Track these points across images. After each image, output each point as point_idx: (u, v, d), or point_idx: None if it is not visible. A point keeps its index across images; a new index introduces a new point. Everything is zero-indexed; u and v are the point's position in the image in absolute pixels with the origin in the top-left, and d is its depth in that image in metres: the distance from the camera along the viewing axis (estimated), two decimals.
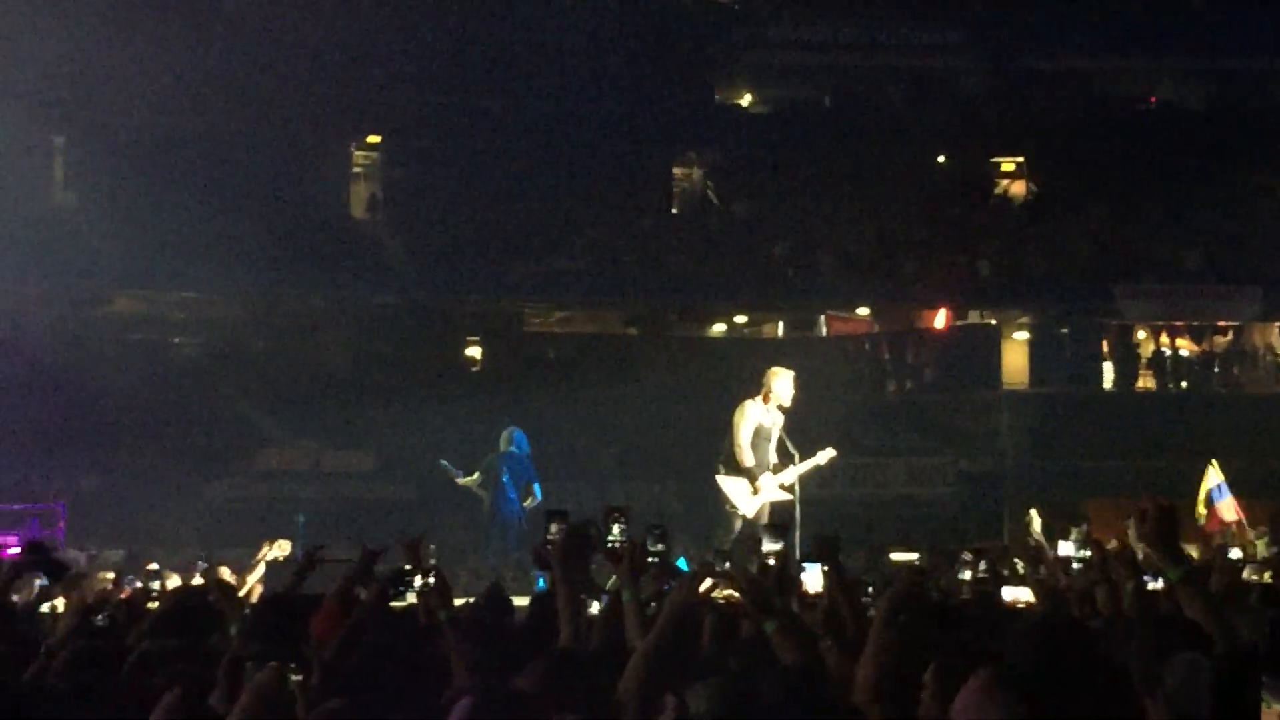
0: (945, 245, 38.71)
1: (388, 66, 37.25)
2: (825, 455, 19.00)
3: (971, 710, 4.93)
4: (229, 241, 34.23)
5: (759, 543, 14.95)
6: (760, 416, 19.05)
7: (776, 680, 5.80)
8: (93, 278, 34.31)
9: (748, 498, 18.75)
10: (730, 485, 19.00)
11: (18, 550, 25.27)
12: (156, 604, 9.37)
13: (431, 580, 8.72)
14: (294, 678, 4.36)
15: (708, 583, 7.52)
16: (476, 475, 22.99)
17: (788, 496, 18.83)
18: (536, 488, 22.97)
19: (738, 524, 18.69)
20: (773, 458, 19.00)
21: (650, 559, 7.95)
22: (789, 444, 19.33)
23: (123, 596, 14.04)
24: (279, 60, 35.98)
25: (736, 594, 8.46)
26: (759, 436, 18.95)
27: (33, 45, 32.96)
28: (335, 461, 34.53)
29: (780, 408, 19.09)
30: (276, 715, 4.13)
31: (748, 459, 18.82)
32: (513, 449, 23.08)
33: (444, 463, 23.91)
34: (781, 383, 19.16)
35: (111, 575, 20.79)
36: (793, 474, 18.80)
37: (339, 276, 35.52)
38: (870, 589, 9.62)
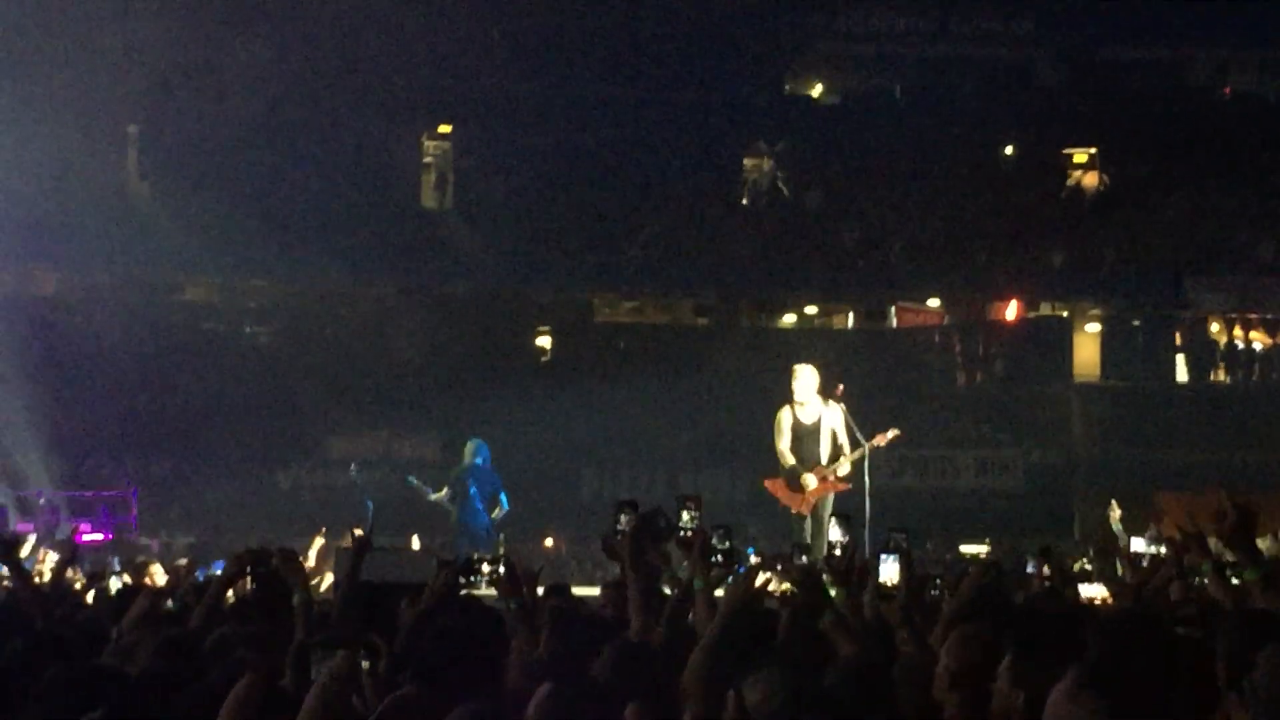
0: (1017, 236, 38.52)
1: (459, 57, 37.26)
2: (881, 439, 18.96)
3: (1061, 713, 4.92)
4: (301, 230, 34.39)
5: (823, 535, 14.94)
6: (794, 417, 19.05)
7: (833, 673, 5.79)
8: (166, 266, 34.52)
9: (794, 496, 18.78)
10: (776, 488, 19.05)
11: (98, 537, 25.57)
12: (231, 590, 9.38)
13: (502, 569, 8.73)
14: (364, 664, 4.38)
15: (763, 576, 7.52)
16: (445, 490, 22.99)
17: (844, 487, 18.79)
18: (503, 498, 22.94)
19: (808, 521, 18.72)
20: (825, 451, 18.98)
21: (715, 557, 7.94)
22: (858, 433, 19.27)
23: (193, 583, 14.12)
24: (351, 50, 36.07)
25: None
26: (799, 436, 18.95)
27: (108, 36, 33.15)
28: (404, 449, 34.63)
29: (822, 400, 19.06)
30: (348, 701, 4.14)
31: (788, 460, 18.89)
32: (477, 461, 23.06)
33: (412, 480, 23.90)
34: (798, 381, 19.15)
35: (184, 561, 20.94)
36: (846, 465, 18.78)
37: (409, 266, 35.64)
38: (939, 581, 9.59)
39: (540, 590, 9.53)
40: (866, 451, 18.77)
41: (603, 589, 9.39)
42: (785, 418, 19.04)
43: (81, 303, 35.21)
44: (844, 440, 19.05)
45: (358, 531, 20.57)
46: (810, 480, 18.60)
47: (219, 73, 34.94)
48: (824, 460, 18.83)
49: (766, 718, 5.11)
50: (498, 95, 37.53)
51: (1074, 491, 33.63)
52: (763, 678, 5.48)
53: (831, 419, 18.87)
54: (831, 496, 18.73)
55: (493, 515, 22.71)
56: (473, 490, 22.63)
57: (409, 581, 9.52)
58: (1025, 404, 35.95)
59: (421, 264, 35.71)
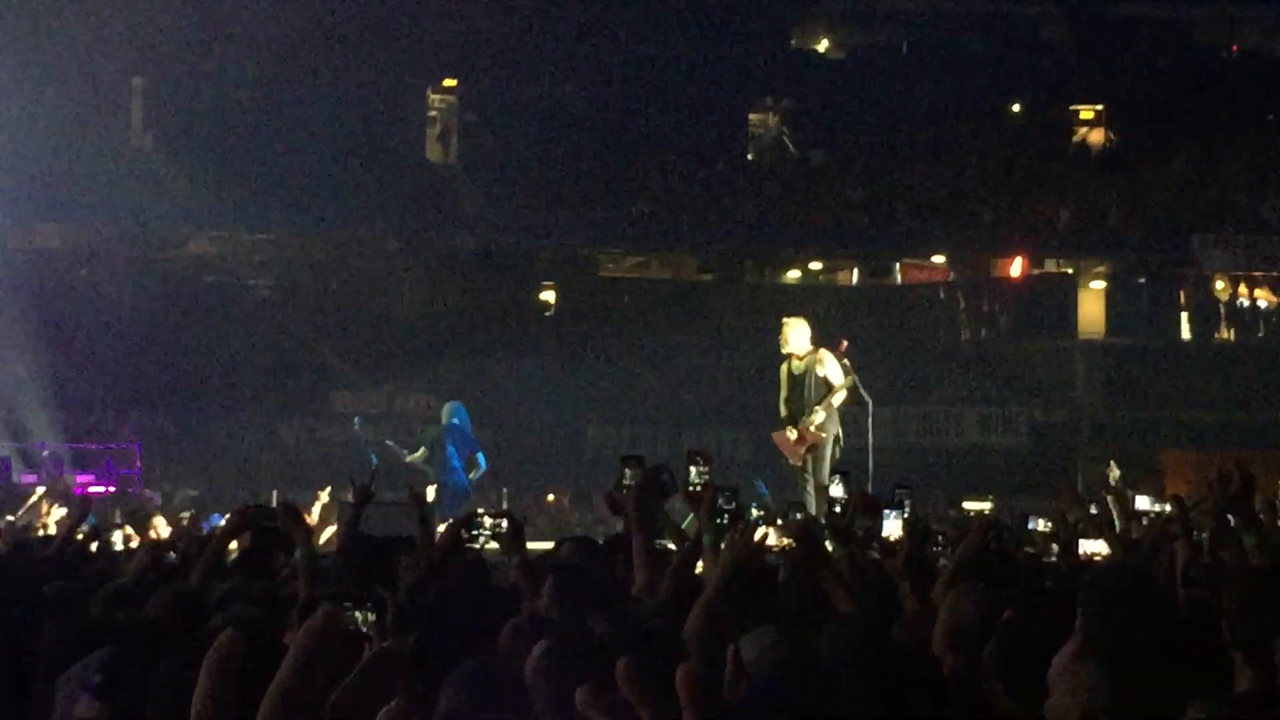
0: (1022, 193, 38.50)
1: (465, 11, 37.18)
2: (837, 398, 18.85)
3: (1066, 675, 4.93)
4: (305, 184, 34.37)
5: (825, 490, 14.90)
6: (788, 370, 19.04)
7: (830, 630, 5.80)
8: (169, 219, 34.50)
9: (790, 448, 18.78)
10: (778, 440, 19.05)
11: (101, 489, 25.59)
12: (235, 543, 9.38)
13: (504, 524, 8.73)
14: (369, 617, 4.37)
15: (761, 532, 7.52)
16: (421, 451, 23.04)
17: (819, 437, 18.69)
18: (480, 458, 23.00)
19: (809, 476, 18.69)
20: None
21: (721, 518, 7.94)
22: (862, 390, 19.23)
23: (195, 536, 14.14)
24: (357, 3, 36.01)
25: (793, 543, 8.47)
26: (791, 389, 18.95)
27: None
28: (407, 404, 34.64)
29: (799, 355, 18.98)
30: (334, 656, 4.13)
31: (782, 412, 18.92)
32: (454, 421, 23.13)
33: (389, 443, 23.94)
34: (788, 333, 19.11)
35: (187, 514, 20.99)
36: (819, 414, 18.69)
37: (413, 220, 35.61)
38: (941, 537, 9.59)
39: (561, 543, 9.56)
40: (832, 401, 18.59)
41: (604, 544, 9.37)
42: (783, 371, 19.04)
43: (85, 256, 35.21)
44: (866, 396, 18.95)
45: (359, 485, 20.68)
46: (792, 433, 18.60)
47: (223, 25, 34.88)
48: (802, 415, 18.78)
49: (764, 673, 5.11)
50: (503, 50, 37.46)
51: (1077, 449, 33.63)
52: (761, 633, 5.50)
53: (825, 370, 18.74)
54: (828, 448, 18.61)
55: (470, 476, 22.78)
56: (450, 450, 22.70)
57: (410, 535, 9.52)
58: (1029, 361, 35.96)
59: (425, 218, 35.68)
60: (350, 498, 9.93)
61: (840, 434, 18.60)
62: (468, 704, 4.79)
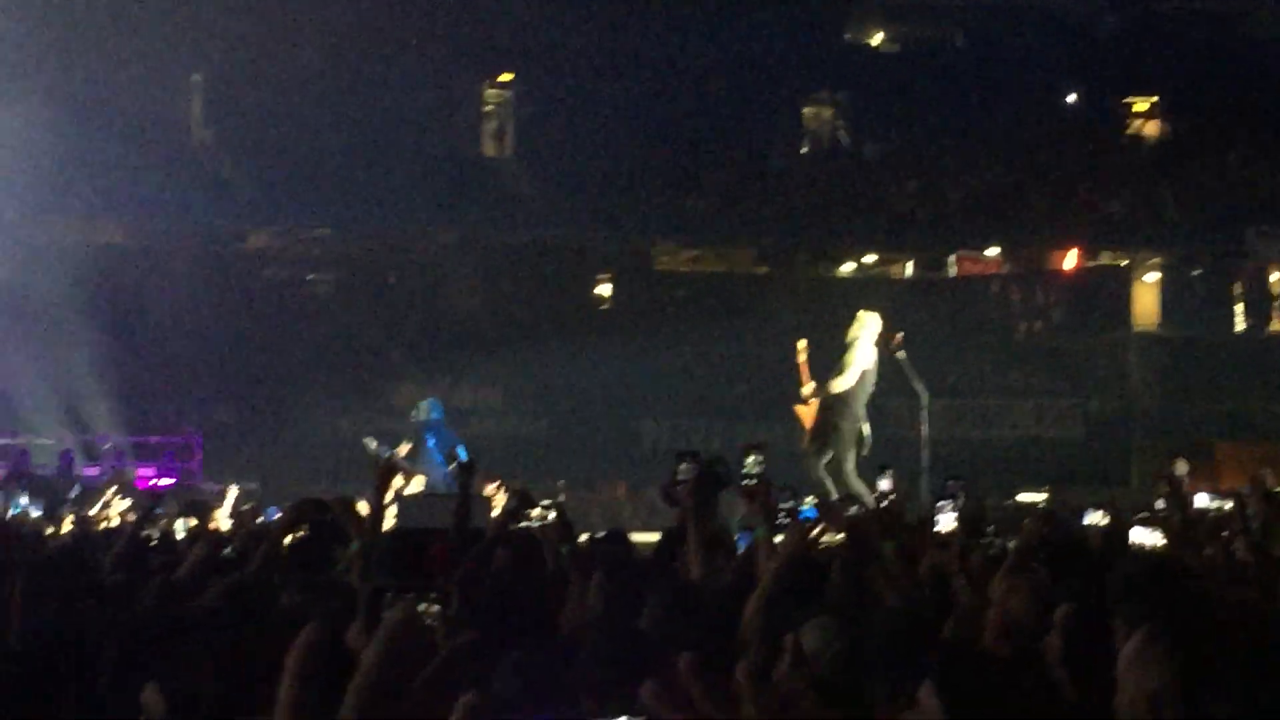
0: (1077, 185, 38.42)
1: (520, 5, 37.28)
2: (844, 377, 18.83)
3: (1134, 668, 4.92)
4: (362, 178, 34.52)
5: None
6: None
7: (880, 622, 5.85)
8: (228, 215, 34.70)
9: (805, 419, 18.82)
10: (798, 410, 19.12)
11: (162, 482, 25.82)
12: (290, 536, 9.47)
13: (552, 515, 8.82)
14: (433, 609, 4.51)
15: (817, 528, 7.59)
16: (404, 446, 23.44)
17: (810, 405, 18.68)
18: (461, 450, 23.28)
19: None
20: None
21: (780, 516, 8.02)
22: (916, 383, 19.28)
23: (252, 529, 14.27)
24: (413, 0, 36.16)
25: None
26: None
27: None
28: (465, 397, 34.80)
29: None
30: (411, 648, 4.24)
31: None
32: (434, 416, 23.57)
33: (368, 440, 24.31)
34: (868, 318, 19.15)
35: (248, 507, 21.15)
36: (808, 387, 18.71)
37: (470, 214, 35.73)
38: (993, 530, 9.64)
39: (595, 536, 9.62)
40: (834, 383, 18.54)
41: (660, 537, 9.47)
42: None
43: (146, 251, 35.45)
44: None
45: (419, 479, 20.94)
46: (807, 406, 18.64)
47: (282, 22, 35.03)
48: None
49: (822, 664, 5.20)
50: (558, 44, 37.54)
51: (1132, 441, 33.58)
52: (818, 624, 5.56)
53: (850, 353, 18.73)
54: (845, 426, 18.46)
55: (451, 468, 23.09)
56: (431, 444, 23.14)
57: (445, 527, 9.57)
58: (1084, 353, 35.88)
59: (482, 213, 35.80)
60: (410, 492, 10.02)
61: (865, 432, 18.42)
62: (521, 690, 4.90)
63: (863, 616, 6.09)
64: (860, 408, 18.64)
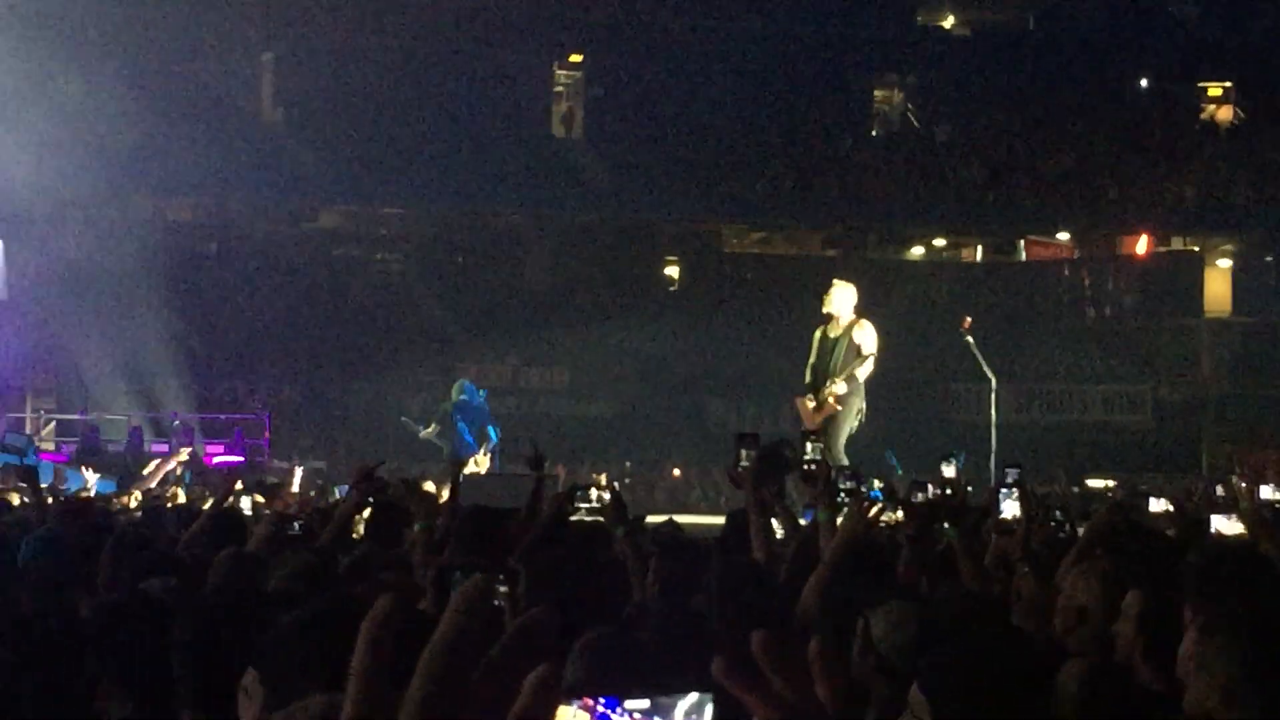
0: (1148, 170, 38.20)
1: None
2: (863, 369, 18.39)
3: (1198, 657, 4.88)
4: (432, 158, 34.62)
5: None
6: (822, 334, 18.71)
7: (954, 605, 5.82)
8: (299, 193, 34.83)
9: (807, 413, 18.43)
10: (798, 404, 18.81)
11: (231, 459, 25.97)
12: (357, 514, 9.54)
13: (608, 496, 8.83)
14: (500, 588, 4.53)
15: (878, 509, 7.57)
16: (434, 427, 23.64)
17: (834, 409, 18.26)
18: (492, 431, 23.47)
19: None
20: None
21: (841, 497, 8.01)
22: (985, 368, 19.21)
23: (319, 506, 14.37)
24: None
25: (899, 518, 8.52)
26: (821, 354, 18.57)
27: None
28: (532, 378, 34.90)
29: (839, 321, 18.56)
30: (481, 625, 4.24)
31: (806, 377, 18.61)
32: (464, 398, 23.71)
33: (405, 419, 24.63)
34: (837, 294, 18.66)
35: (315, 485, 21.27)
36: (840, 385, 18.24)
37: (539, 195, 35.77)
38: (1058, 513, 9.60)
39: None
40: (856, 373, 18.17)
41: (726, 519, 9.48)
42: (816, 335, 18.71)
43: (217, 229, 35.65)
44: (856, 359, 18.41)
45: (481, 459, 21.11)
46: (811, 400, 18.28)
47: (352, 1, 35.18)
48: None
49: (893, 649, 5.19)
50: (628, 25, 37.57)
51: (1202, 427, 33.43)
52: (890, 609, 5.54)
53: (860, 339, 18.34)
54: (848, 420, 18.18)
55: (482, 447, 23.22)
56: (460, 425, 23.32)
57: (518, 507, 9.62)
58: (1155, 339, 35.74)
59: (551, 193, 35.83)
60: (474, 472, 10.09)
61: (864, 408, 18.14)
62: (597, 674, 4.91)
63: (932, 602, 6.06)
64: (862, 385, 18.25)
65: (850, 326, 18.14)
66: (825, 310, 18.38)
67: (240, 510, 11.30)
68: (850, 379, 17.81)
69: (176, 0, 33.32)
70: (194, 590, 6.46)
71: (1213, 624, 4.82)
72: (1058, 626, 6.31)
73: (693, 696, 1.85)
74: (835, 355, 18.18)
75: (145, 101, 31.72)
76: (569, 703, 1.82)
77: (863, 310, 18.40)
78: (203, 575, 7.25)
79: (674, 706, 1.84)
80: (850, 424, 17.82)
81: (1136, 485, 21.07)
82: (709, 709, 1.85)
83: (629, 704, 1.81)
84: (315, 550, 8.02)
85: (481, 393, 24.92)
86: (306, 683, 4.64)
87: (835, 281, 18.85)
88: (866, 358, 17.98)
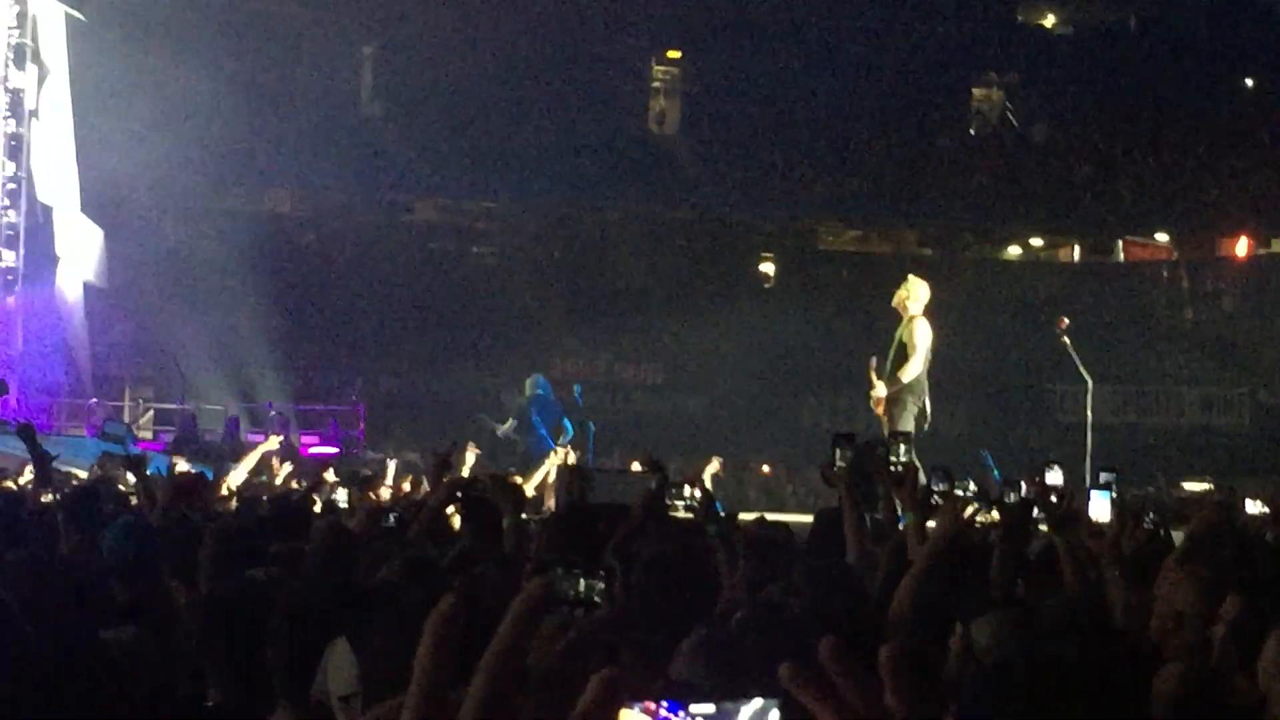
0: (1250, 172, 37.84)
1: None
2: (909, 369, 18.09)
3: (1275, 665, 4.83)
4: (529, 153, 34.72)
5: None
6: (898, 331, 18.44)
7: (1056, 609, 5.78)
8: (396, 186, 35.02)
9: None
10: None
11: (327, 450, 26.13)
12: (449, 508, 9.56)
13: (698, 494, 8.83)
14: (598, 585, 4.55)
15: (971, 510, 7.52)
16: (510, 423, 23.83)
17: (879, 408, 18.06)
18: (567, 424, 23.59)
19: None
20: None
21: (933, 498, 7.98)
22: (1081, 369, 19.10)
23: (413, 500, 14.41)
24: None
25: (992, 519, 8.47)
26: (893, 349, 18.34)
27: None
28: (626, 373, 34.92)
29: (911, 316, 18.28)
30: (542, 622, 4.24)
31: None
32: (539, 392, 23.89)
33: (482, 416, 24.84)
34: (916, 288, 18.37)
35: (409, 479, 21.36)
36: (880, 388, 17.98)
37: (635, 190, 35.82)
38: (1151, 516, 9.51)
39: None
40: (901, 375, 17.90)
41: (815, 518, 9.45)
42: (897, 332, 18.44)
43: (314, 221, 35.88)
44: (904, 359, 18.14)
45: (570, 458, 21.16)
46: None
47: None
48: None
49: (995, 660, 5.15)
50: (727, 22, 37.55)
51: None
52: (993, 619, 5.49)
53: (913, 337, 18.07)
54: (903, 422, 17.89)
55: (558, 442, 23.27)
56: (535, 420, 23.46)
57: (627, 504, 9.63)
58: (1254, 342, 35.37)
59: (647, 188, 35.88)
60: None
61: (926, 408, 17.85)
62: (703, 672, 4.91)
63: (1034, 610, 6.01)
64: (922, 383, 17.97)
65: (909, 323, 17.92)
66: (893, 304, 18.18)
67: (303, 499, 11.39)
68: (893, 381, 17.51)
69: None
70: (293, 582, 6.51)
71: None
72: (1154, 630, 6.26)
73: (758, 702, 1.85)
74: (891, 354, 17.91)
75: (246, 95, 31.97)
76: (631, 706, 1.82)
77: (930, 309, 18.06)
78: (293, 567, 7.31)
79: (738, 712, 1.84)
80: (906, 428, 17.37)
81: (1233, 489, 20.89)
82: (774, 715, 1.85)
83: (693, 709, 1.82)
84: (420, 545, 8.07)
85: (576, 388, 25.02)
86: (406, 677, 4.68)
87: (909, 277, 18.59)
88: (912, 357, 17.64)
